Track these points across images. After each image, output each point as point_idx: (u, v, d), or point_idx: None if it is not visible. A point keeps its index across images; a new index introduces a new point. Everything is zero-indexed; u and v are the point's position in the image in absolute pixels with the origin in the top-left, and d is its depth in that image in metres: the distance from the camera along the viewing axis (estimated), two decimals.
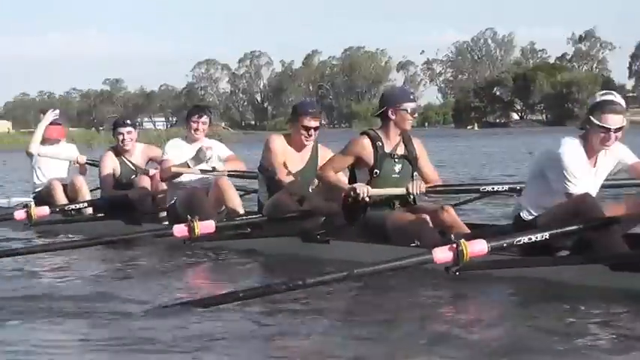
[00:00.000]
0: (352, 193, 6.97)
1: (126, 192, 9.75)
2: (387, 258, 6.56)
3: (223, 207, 8.66)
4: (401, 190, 7.09)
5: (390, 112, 7.20)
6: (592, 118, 5.90)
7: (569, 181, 5.89)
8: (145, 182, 9.78)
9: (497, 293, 5.87)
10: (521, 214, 6.25)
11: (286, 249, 7.61)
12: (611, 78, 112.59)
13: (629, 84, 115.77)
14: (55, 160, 11.12)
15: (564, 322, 4.92)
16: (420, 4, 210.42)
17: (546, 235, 5.59)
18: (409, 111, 7.20)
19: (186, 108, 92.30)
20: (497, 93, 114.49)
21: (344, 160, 7.25)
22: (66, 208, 10.12)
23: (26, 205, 10.07)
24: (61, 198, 10.57)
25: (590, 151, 6.05)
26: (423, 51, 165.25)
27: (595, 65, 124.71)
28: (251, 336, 4.81)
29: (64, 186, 10.82)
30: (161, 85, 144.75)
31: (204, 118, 9.21)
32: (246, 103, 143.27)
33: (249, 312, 5.30)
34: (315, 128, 7.84)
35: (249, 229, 7.99)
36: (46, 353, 4.64)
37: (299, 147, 7.92)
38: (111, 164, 10.05)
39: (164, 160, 9.08)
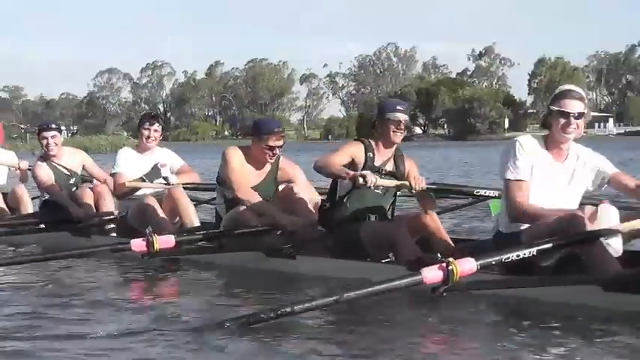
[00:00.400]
0: (361, 179, 6.51)
1: (67, 205, 9.19)
2: (357, 274, 6.42)
3: (177, 218, 8.37)
4: (404, 183, 6.80)
5: (377, 123, 6.94)
6: (551, 107, 5.87)
7: (508, 167, 5.87)
8: (87, 197, 9.26)
9: (481, 311, 5.60)
10: (499, 228, 6.09)
11: (250, 263, 7.31)
12: (512, 94, 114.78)
13: (529, 100, 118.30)
14: None
15: (552, 341, 4.80)
16: (320, 18, 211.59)
17: (534, 251, 5.39)
18: (394, 122, 6.82)
19: (87, 117, 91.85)
20: None
21: (340, 159, 6.82)
22: (12, 222, 9.61)
23: None
24: (1, 208, 10.13)
25: (553, 144, 5.96)
26: (325, 64, 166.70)
27: (495, 81, 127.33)
28: None
29: (4, 195, 10.37)
30: (62, 94, 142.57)
31: (157, 126, 8.82)
32: None
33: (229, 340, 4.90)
34: (280, 147, 7.49)
35: (210, 244, 7.65)
36: None
37: (259, 164, 7.55)
38: (46, 172, 9.47)
39: (116, 174, 8.66)
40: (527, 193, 5.89)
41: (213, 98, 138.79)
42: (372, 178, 6.55)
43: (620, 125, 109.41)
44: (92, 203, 9.24)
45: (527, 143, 5.94)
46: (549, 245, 5.47)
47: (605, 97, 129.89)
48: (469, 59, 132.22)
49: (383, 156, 6.94)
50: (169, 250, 7.15)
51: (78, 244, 8.23)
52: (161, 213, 8.28)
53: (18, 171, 10.67)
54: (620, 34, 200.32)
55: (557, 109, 5.84)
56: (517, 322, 5.23)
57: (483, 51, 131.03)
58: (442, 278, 5.10)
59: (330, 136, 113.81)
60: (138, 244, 6.97)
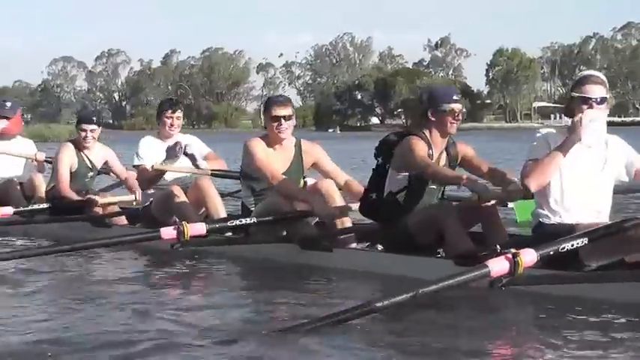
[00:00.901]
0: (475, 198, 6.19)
1: (82, 201, 9.08)
2: (399, 268, 6.33)
3: (203, 209, 8.12)
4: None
5: (430, 114, 6.59)
6: (573, 93, 5.77)
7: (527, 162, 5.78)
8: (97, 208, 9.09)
9: (525, 310, 5.50)
10: (541, 219, 5.95)
11: (282, 257, 7.12)
12: (468, 84, 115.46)
13: (486, 90, 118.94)
14: (10, 157, 10.34)
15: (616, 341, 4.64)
16: (272, 7, 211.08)
17: (585, 240, 5.26)
18: (452, 113, 6.52)
19: (41, 105, 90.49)
20: (359, 97, 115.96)
21: (424, 152, 6.47)
22: (28, 208, 9.44)
23: None
24: (18, 197, 9.86)
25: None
26: (281, 54, 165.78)
27: (451, 72, 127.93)
28: None
29: (21, 184, 10.15)
30: (15, 81, 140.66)
31: (179, 112, 8.55)
32: (103, 102, 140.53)
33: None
34: (286, 117, 7.29)
35: (241, 235, 7.43)
36: None
37: (278, 145, 7.39)
38: (68, 159, 9.36)
39: (140, 165, 8.44)
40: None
41: (169, 87, 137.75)
42: (484, 189, 6.20)
43: None
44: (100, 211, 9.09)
45: (548, 132, 5.90)
46: (601, 232, 5.37)
47: (559, 89, 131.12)
48: (425, 49, 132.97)
49: (438, 147, 6.64)
50: (200, 239, 7.02)
51: (98, 235, 8.07)
52: (187, 202, 8.02)
53: (35, 162, 10.48)
54: (574, 26, 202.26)
55: (578, 95, 5.76)
56: (562, 318, 5.15)
57: (439, 41, 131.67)
58: (508, 270, 4.95)
59: None
60: (168, 233, 6.83)
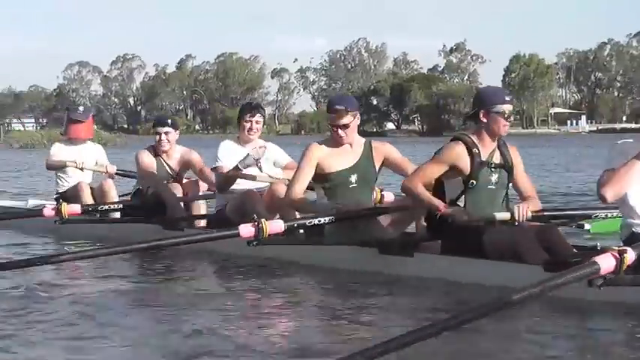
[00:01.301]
0: (449, 218, 6.39)
1: (165, 198, 9.06)
2: (486, 275, 6.12)
3: (277, 215, 7.94)
4: (505, 216, 6.45)
5: (481, 115, 6.55)
6: None
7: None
8: (176, 189, 9.15)
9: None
10: (634, 229, 5.77)
11: (359, 261, 6.98)
12: None
13: None
14: (80, 160, 10.42)
15: None
16: (288, 13, 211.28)
17: None
18: (503, 114, 6.49)
19: (56, 110, 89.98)
20: (374, 102, 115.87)
21: (437, 169, 6.58)
22: (99, 207, 9.49)
23: (57, 202, 9.51)
24: (88, 200, 9.95)
25: None
26: (296, 59, 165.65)
27: (466, 77, 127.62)
28: None
29: (91, 189, 10.26)
30: (31, 86, 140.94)
31: (258, 117, 8.47)
32: (118, 107, 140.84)
33: None
34: (343, 126, 7.21)
35: (318, 236, 7.33)
36: None
37: (340, 144, 7.31)
38: (148, 160, 9.35)
39: (217, 167, 8.40)
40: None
41: (184, 92, 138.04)
42: (463, 217, 6.42)
43: (592, 122, 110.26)
44: (180, 194, 9.14)
45: (624, 142, 5.73)
46: None
47: (574, 95, 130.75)
48: (440, 55, 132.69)
49: (487, 148, 6.57)
50: (276, 238, 7.00)
51: (183, 235, 8.06)
52: (262, 205, 7.94)
53: (106, 174, 10.47)
54: (590, 32, 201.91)
55: None
56: None
57: (454, 47, 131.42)
58: (614, 267, 4.81)
59: (302, 131, 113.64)
60: (246, 230, 6.78)
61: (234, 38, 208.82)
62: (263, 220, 6.84)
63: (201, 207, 9.42)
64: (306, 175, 7.32)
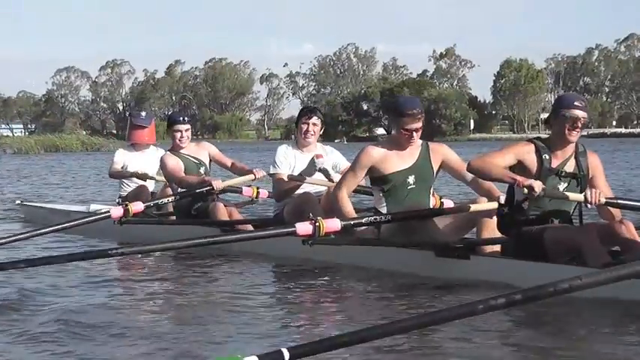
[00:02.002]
0: (526, 189, 6.12)
1: (202, 182, 9.08)
2: (546, 278, 5.90)
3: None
4: (578, 197, 6.27)
5: (551, 119, 6.43)
6: None
7: None
8: (221, 213, 8.94)
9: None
10: None
11: (415, 264, 6.96)
12: (474, 95, 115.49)
13: (491, 101, 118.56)
14: (145, 165, 10.58)
15: None
16: (276, 18, 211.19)
17: None
18: (570, 120, 6.28)
19: (45, 115, 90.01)
20: (365, 107, 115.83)
21: (503, 159, 6.36)
22: (160, 202, 9.53)
23: (125, 200, 9.60)
24: (148, 200, 9.93)
25: None
26: (286, 64, 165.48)
27: (455, 82, 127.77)
28: None
29: (152, 194, 10.39)
30: (19, 92, 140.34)
31: (315, 119, 8.38)
32: (107, 112, 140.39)
33: None
34: (417, 130, 7.14)
35: (374, 236, 7.33)
36: None
37: (403, 147, 7.23)
38: (173, 159, 9.34)
39: (275, 174, 8.36)
40: None
41: (173, 97, 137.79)
42: (538, 190, 6.13)
43: None
44: (226, 217, 8.99)
45: None
46: None
47: None
48: (430, 60, 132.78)
49: (560, 156, 6.40)
50: (332, 238, 6.96)
51: (246, 233, 8.01)
52: (319, 207, 7.88)
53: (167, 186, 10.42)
54: (577, 37, 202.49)
55: None
56: None
57: (444, 52, 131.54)
58: None
59: (292, 136, 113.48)
60: (303, 228, 6.72)
61: (223, 44, 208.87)
62: (319, 218, 6.80)
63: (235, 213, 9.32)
64: (356, 178, 7.29)
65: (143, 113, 11.06)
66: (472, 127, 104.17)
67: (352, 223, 7.05)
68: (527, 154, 6.39)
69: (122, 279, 7.38)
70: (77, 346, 4.90)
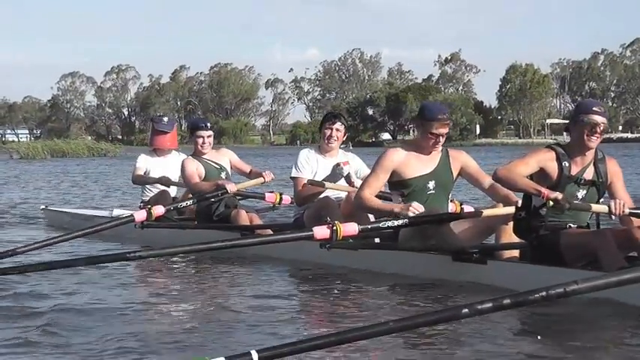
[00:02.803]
0: (551, 202, 6.08)
1: (216, 186, 9.16)
2: (558, 282, 6.13)
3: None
4: (602, 208, 6.22)
5: (570, 125, 6.39)
6: None
7: None
8: (242, 219, 9.01)
9: None
10: None
11: (433, 268, 6.97)
12: (480, 100, 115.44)
13: (496, 106, 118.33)
14: (167, 171, 10.64)
15: None
16: (281, 23, 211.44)
17: None
18: (589, 125, 6.22)
19: (51, 121, 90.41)
20: (370, 112, 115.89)
21: (526, 167, 6.32)
22: (179, 206, 9.62)
23: (147, 205, 9.68)
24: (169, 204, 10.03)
25: None
26: (291, 69, 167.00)
27: (461, 87, 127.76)
28: None
29: (174, 199, 10.47)
30: (25, 97, 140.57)
31: (339, 125, 8.38)
32: (112, 117, 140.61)
33: None
34: (444, 135, 7.14)
35: (391, 242, 7.36)
36: None
37: (427, 152, 7.25)
38: (193, 165, 9.38)
39: (297, 178, 8.37)
40: None
41: (178, 103, 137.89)
42: (564, 203, 6.08)
43: None
44: (247, 222, 9.02)
45: None
46: None
47: (568, 105, 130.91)
48: (435, 65, 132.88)
49: (579, 163, 6.36)
50: (349, 242, 7.05)
51: (264, 237, 7.94)
52: (339, 212, 7.86)
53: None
54: (582, 42, 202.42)
55: None
56: None
57: (449, 57, 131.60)
58: None
59: (298, 142, 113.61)
60: (321, 232, 6.74)
61: (228, 49, 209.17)
62: (337, 222, 6.82)
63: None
64: (379, 181, 7.25)
65: (165, 119, 11.08)
66: (478, 132, 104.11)
67: (370, 227, 7.05)
68: (549, 161, 6.33)
69: (135, 280, 7.49)
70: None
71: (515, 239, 6.83)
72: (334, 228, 6.73)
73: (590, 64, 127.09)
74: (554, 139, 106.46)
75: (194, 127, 9.62)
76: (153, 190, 10.73)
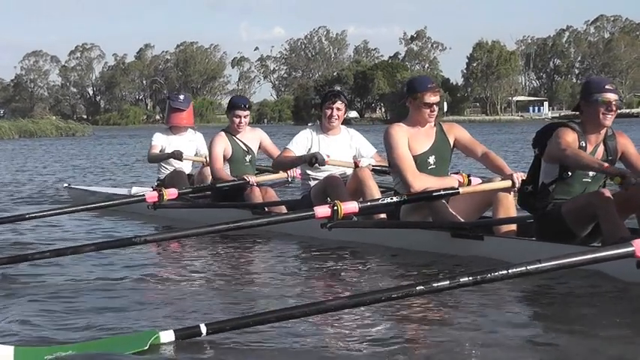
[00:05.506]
0: (619, 177, 5.83)
1: (238, 181, 9.07)
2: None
3: (360, 199, 7.72)
4: None
5: (582, 105, 6.33)
6: None
7: None
8: (256, 196, 9.00)
9: None
10: None
11: (432, 244, 7.01)
12: (447, 78, 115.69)
13: (462, 83, 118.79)
14: (182, 148, 10.62)
15: None
16: (247, 1, 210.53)
17: None
18: (604, 104, 6.18)
19: (14, 100, 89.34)
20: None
21: (573, 142, 6.23)
22: (191, 189, 9.65)
23: (161, 185, 9.73)
24: (184, 185, 10.06)
25: None
26: (257, 47, 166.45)
27: (427, 65, 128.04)
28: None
29: (189, 176, 10.50)
30: None
31: (339, 104, 8.37)
32: (77, 97, 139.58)
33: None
34: (437, 104, 7.22)
35: (391, 220, 7.42)
36: None
37: (422, 126, 7.29)
38: (222, 144, 9.32)
39: (285, 149, 8.47)
40: None
41: (144, 82, 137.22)
42: (631, 178, 5.85)
43: (554, 109, 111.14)
44: (260, 199, 9.04)
45: None
46: None
47: (533, 82, 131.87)
48: (401, 43, 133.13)
49: (593, 142, 6.36)
50: (350, 221, 7.10)
51: (267, 217, 8.05)
52: (344, 188, 7.90)
53: (206, 164, 10.38)
54: (547, 19, 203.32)
55: None
56: None
57: (415, 35, 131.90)
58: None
59: (265, 120, 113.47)
60: (322, 211, 6.85)
61: (194, 28, 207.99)
62: (337, 201, 6.90)
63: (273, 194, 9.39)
64: (408, 157, 7.19)
65: (181, 96, 10.99)
66: (445, 109, 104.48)
67: (370, 204, 7.12)
68: (575, 141, 6.28)
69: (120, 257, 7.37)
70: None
71: (512, 213, 6.92)
72: (335, 207, 6.85)
73: (554, 40, 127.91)
74: (521, 115, 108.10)
75: (232, 105, 9.53)
76: (168, 168, 10.72)
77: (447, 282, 4.47)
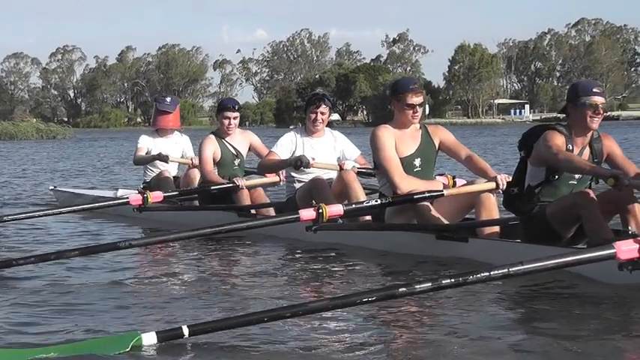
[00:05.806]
0: (613, 179, 5.77)
1: (227, 183, 9.00)
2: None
3: (345, 202, 7.75)
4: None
5: (569, 108, 6.35)
6: None
7: None
8: (244, 198, 8.94)
9: None
10: None
11: (417, 246, 7.03)
12: (429, 80, 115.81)
13: (444, 86, 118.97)
14: (168, 151, 10.58)
15: None
16: (229, 4, 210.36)
17: None
18: (591, 107, 6.22)
19: None
20: None
21: (561, 145, 6.26)
22: (176, 193, 9.63)
23: (144, 189, 9.68)
24: (170, 188, 10.00)
25: None
26: (239, 50, 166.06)
27: (409, 68, 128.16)
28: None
29: (175, 178, 10.47)
30: None
31: (323, 107, 8.38)
32: (58, 99, 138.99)
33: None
34: (420, 105, 7.23)
35: (377, 222, 7.44)
36: None
37: (409, 129, 7.31)
38: (212, 147, 9.25)
39: (270, 152, 8.48)
40: None
41: (125, 84, 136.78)
42: (624, 180, 5.83)
43: (535, 112, 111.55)
44: (249, 201, 9.00)
45: None
46: None
47: (514, 85, 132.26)
48: (383, 45, 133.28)
49: (579, 145, 6.38)
50: (335, 223, 7.04)
51: (253, 221, 8.02)
52: (329, 190, 7.91)
53: (192, 166, 10.35)
54: (529, 22, 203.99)
55: None
56: None
57: (397, 37, 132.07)
58: (638, 254, 4.64)
59: (247, 123, 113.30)
60: (307, 214, 6.85)
61: (176, 30, 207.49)
62: (322, 204, 6.89)
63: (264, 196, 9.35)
64: (394, 158, 7.19)
65: (168, 99, 11.01)
66: (427, 112, 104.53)
67: (354, 207, 7.11)
68: (563, 144, 6.31)
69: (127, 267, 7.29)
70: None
71: (495, 214, 6.94)
72: (320, 210, 6.84)
73: (536, 44, 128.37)
74: (503, 118, 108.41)
75: (222, 107, 9.46)
76: (154, 171, 10.70)
77: (430, 284, 4.48)
